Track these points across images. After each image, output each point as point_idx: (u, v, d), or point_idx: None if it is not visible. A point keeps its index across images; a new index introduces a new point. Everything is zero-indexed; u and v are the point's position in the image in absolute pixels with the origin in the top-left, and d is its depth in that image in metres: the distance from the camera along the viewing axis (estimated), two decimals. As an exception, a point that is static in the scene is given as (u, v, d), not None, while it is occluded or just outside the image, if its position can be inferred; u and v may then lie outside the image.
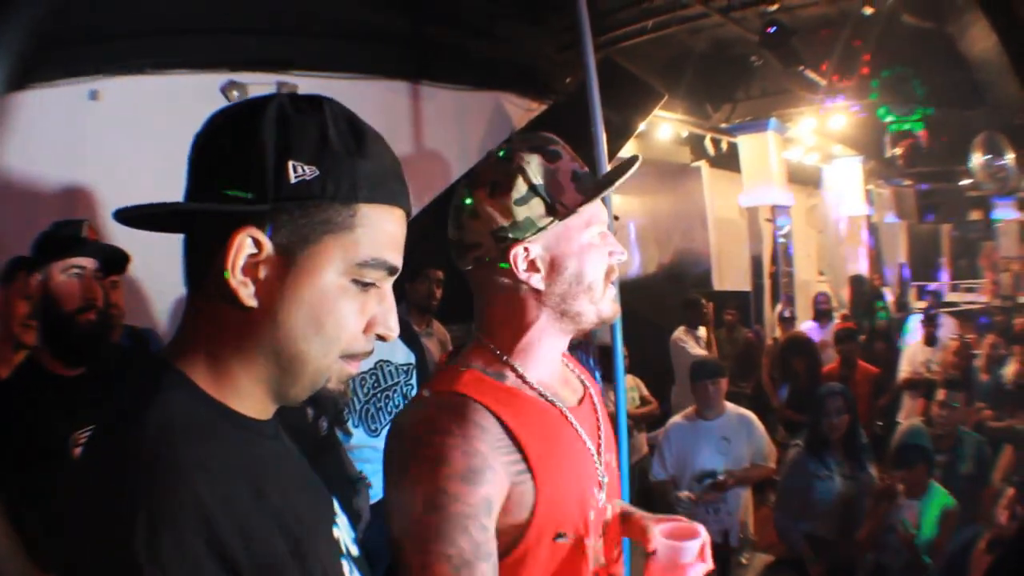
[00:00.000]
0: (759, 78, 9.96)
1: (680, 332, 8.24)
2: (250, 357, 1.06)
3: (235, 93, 5.45)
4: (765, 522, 5.54)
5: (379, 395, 4.04)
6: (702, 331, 8.49)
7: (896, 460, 4.67)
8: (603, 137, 3.86)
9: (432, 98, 6.73)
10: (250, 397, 1.09)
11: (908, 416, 7.57)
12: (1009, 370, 7.36)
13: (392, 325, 1.14)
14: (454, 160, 6.80)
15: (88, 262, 2.69)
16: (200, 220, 1.05)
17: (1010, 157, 11.46)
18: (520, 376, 1.62)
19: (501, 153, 1.61)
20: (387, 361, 4.10)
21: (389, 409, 4.07)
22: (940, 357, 7.90)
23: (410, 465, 1.46)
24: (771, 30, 7.65)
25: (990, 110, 10.70)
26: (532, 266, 1.58)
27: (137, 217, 1.04)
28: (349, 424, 3.94)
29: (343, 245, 1.06)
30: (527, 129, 7.19)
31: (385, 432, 3.95)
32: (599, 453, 1.70)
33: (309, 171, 1.02)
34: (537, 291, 1.60)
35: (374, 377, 4.04)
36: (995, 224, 17.70)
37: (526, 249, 1.57)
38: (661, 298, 10.13)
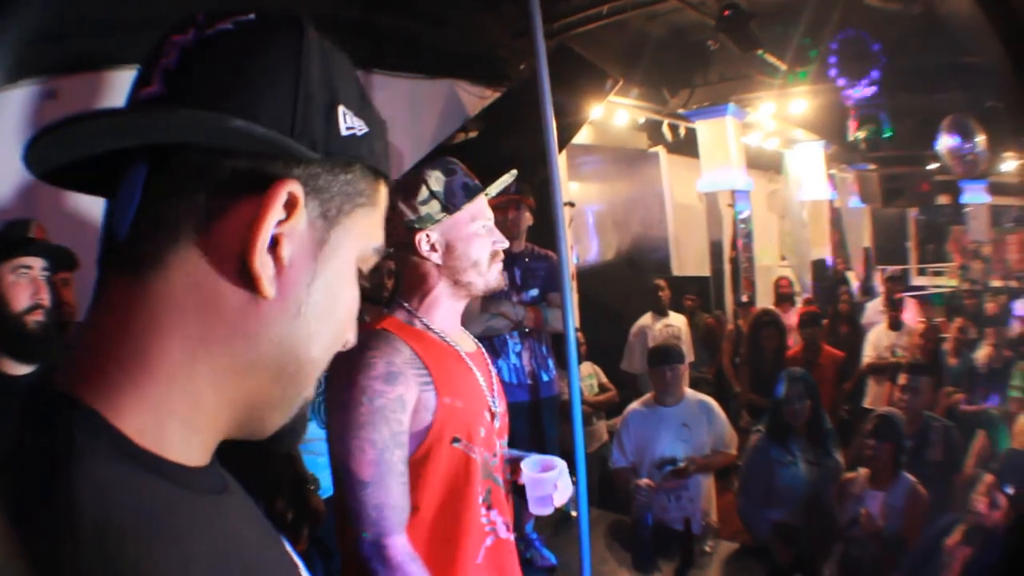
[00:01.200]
0: (717, 63, 9.91)
1: (646, 319, 8.26)
2: (229, 374, 0.77)
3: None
4: (729, 509, 5.54)
5: (332, 387, 4.00)
6: (676, 318, 8.49)
7: (869, 432, 4.65)
8: (552, 124, 3.85)
9: (385, 87, 6.67)
10: (197, 436, 0.78)
11: (874, 401, 7.61)
12: (981, 353, 7.38)
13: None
14: (408, 148, 6.74)
15: (35, 261, 2.74)
16: (180, 165, 0.74)
17: (981, 140, 11.51)
18: (426, 325, 2.25)
19: (414, 170, 2.29)
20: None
21: (341, 401, 4.03)
22: (906, 341, 7.93)
23: (344, 373, 2.04)
24: (728, 14, 7.62)
25: (958, 94, 10.75)
26: (432, 248, 2.23)
27: (61, 145, 0.71)
28: (301, 417, 3.91)
29: (370, 224, 0.87)
30: (480, 116, 7.26)
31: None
32: (491, 392, 2.33)
33: (358, 125, 0.82)
34: (437, 265, 2.25)
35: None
36: (964, 208, 17.85)
37: (427, 236, 2.22)
38: (620, 284, 10.14)
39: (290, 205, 0.75)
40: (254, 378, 0.78)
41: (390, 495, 2.02)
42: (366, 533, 2.01)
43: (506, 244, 2.34)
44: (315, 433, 3.92)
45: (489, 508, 2.23)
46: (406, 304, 2.29)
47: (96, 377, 0.72)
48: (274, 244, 0.75)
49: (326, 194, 0.80)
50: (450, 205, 2.21)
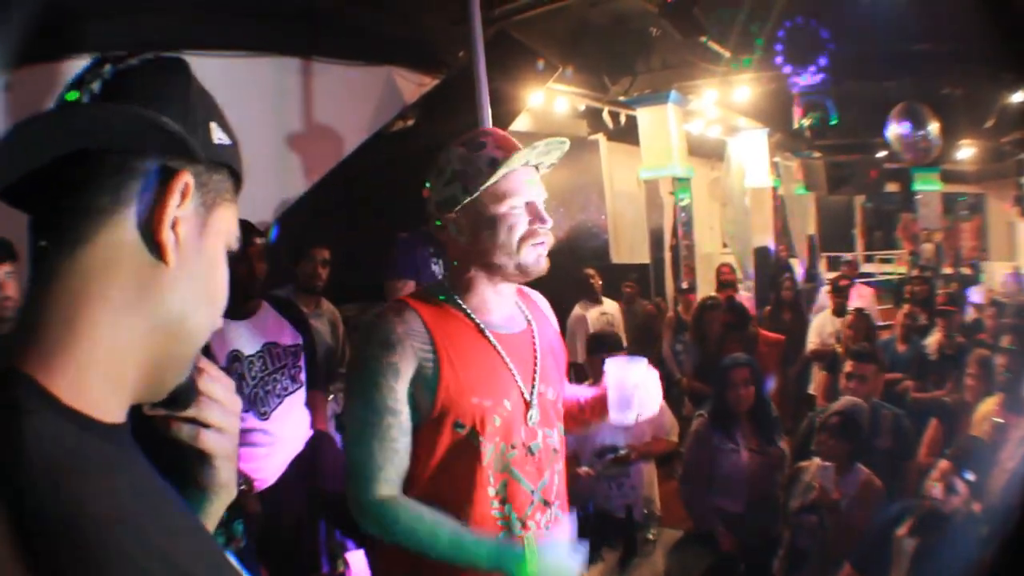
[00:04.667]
0: (660, 50, 9.92)
1: (580, 308, 8.23)
2: (141, 335, 0.93)
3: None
4: (672, 496, 5.53)
5: (267, 378, 3.97)
6: (610, 305, 8.47)
7: (832, 430, 4.59)
8: (488, 111, 3.83)
9: (324, 74, 6.61)
10: (114, 397, 0.93)
11: (818, 388, 7.63)
12: (932, 340, 7.38)
13: None
14: (345, 136, 6.68)
15: None
16: (101, 162, 0.92)
17: (934, 127, 11.61)
18: (456, 302, 2.18)
19: (447, 146, 2.18)
20: (274, 344, 4.02)
21: (278, 392, 4.00)
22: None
23: (356, 340, 2.23)
24: (671, 0, 7.60)
25: (907, 82, 10.84)
26: (460, 230, 2.14)
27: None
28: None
29: (232, 216, 1.06)
30: (417, 104, 7.19)
31: (274, 415, 3.91)
32: (529, 379, 2.20)
33: (225, 138, 1.03)
34: (467, 247, 2.15)
35: (261, 360, 3.96)
36: (915, 196, 18.04)
37: (454, 217, 2.13)
38: (558, 272, 10.15)
39: (184, 193, 0.95)
40: (160, 337, 0.95)
41: (371, 457, 2.06)
42: (349, 488, 2.11)
43: (547, 224, 2.17)
44: (253, 424, 3.88)
45: (504, 502, 2.13)
46: (446, 283, 2.25)
47: (32, 346, 0.87)
48: (173, 223, 0.93)
49: (206, 188, 0.99)
50: (470, 186, 2.09)
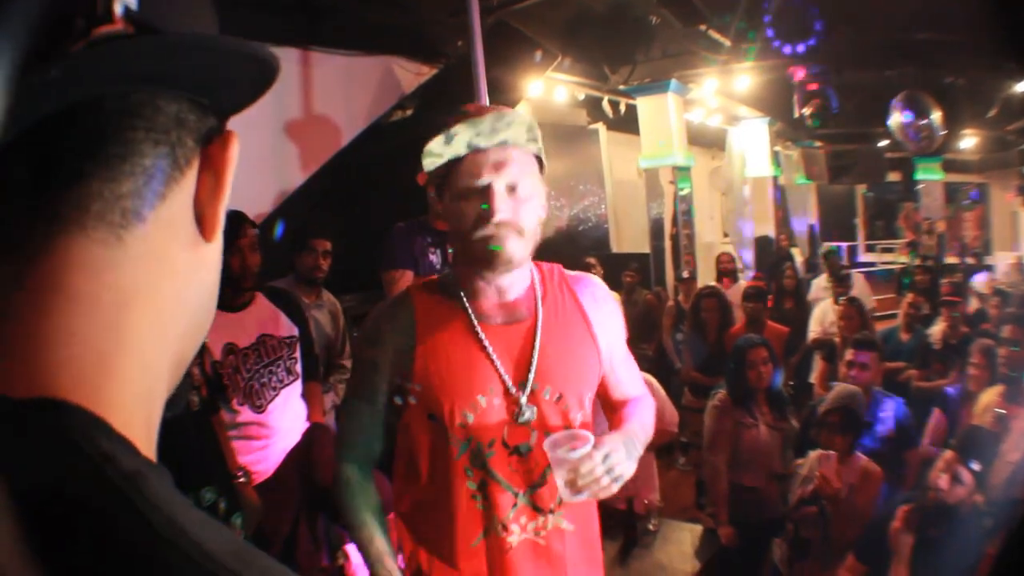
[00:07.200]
0: (660, 39, 9.87)
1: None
2: (175, 335, 0.73)
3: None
4: (672, 487, 5.52)
5: (262, 370, 3.94)
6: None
7: (832, 426, 4.61)
8: (487, 101, 3.82)
9: (322, 64, 6.56)
10: (151, 424, 0.71)
11: (817, 377, 7.62)
12: (936, 329, 7.38)
13: None
14: (343, 126, 6.65)
15: None
16: (157, 114, 0.67)
17: (936, 116, 11.56)
18: (455, 291, 2.09)
19: None
20: (269, 335, 3.99)
21: (273, 384, 3.97)
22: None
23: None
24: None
25: (909, 71, 10.80)
26: (438, 214, 2.09)
27: None
28: (234, 402, 3.84)
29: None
30: (416, 94, 7.19)
31: (270, 407, 3.88)
32: (517, 375, 2.04)
33: None
34: (448, 233, 2.09)
35: (257, 352, 3.92)
36: (917, 185, 18.03)
37: (433, 199, 2.09)
38: (558, 262, 10.14)
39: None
40: (191, 330, 0.75)
41: (344, 434, 2.24)
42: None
43: (495, 214, 1.95)
44: (248, 417, 3.86)
45: (484, 501, 2.03)
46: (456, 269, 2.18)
47: (71, 368, 0.63)
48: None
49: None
50: (431, 174, 2.05)
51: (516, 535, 2.03)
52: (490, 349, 2.03)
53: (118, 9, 0.60)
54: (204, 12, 0.74)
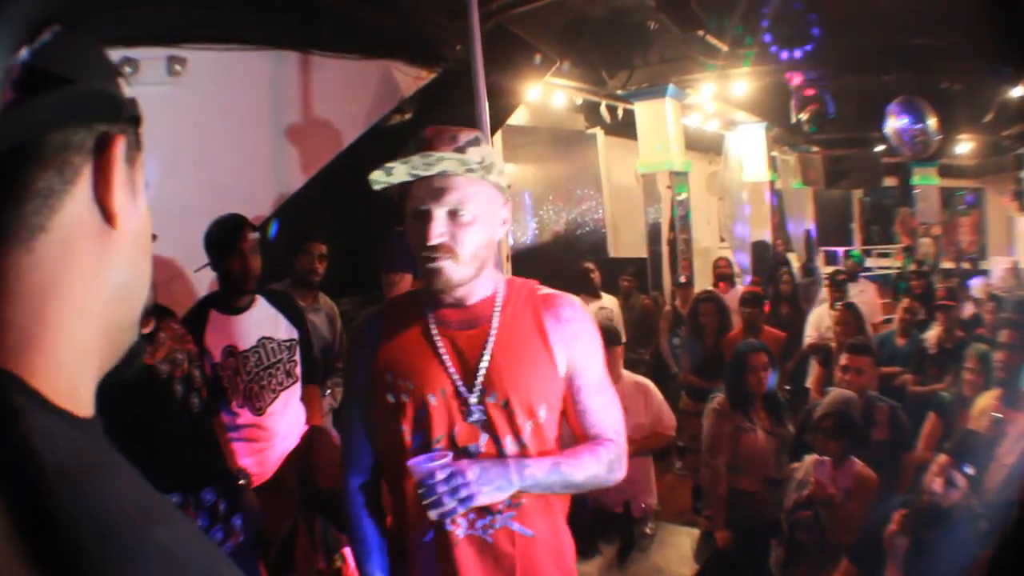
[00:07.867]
0: (657, 44, 9.90)
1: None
2: (100, 313, 0.90)
3: (128, 69, 5.27)
4: (669, 491, 5.54)
5: (262, 373, 3.95)
6: (608, 300, 8.46)
7: (826, 431, 4.62)
8: (485, 105, 3.82)
9: (321, 68, 6.57)
10: (86, 386, 0.89)
11: (813, 382, 7.63)
12: (931, 334, 7.39)
13: None
14: (343, 130, 6.66)
15: None
16: (44, 145, 0.85)
17: (932, 121, 11.58)
18: (425, 296, 2.19)
19: None
20: (269, 338, 4.00)
21: (272, 387, 3.98)
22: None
23: None
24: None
25: (905, 76, 10.83)
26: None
27: None
28: (234, 404, 3.87)
29: (144, 167, 1.02)
30: (415, 98, 7.20)
31: (270, 410, 3.90)
32: (466, 376, 2.11)
33: (128, 91, 0.98)
34: None
35: (256, 355, 3.93)
36: (913, 190, 18.06)
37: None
38: (556, 267, 10.15)
39: (123, 156, 0.91)
40: (117, 306, 0.92)
41: (345, 444, 2.35)
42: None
43: (431, 234, 2.02)
44: (248, 419, 3.88)
45: None
46: None
47: (7, 348, 0.82)
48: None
49: (128, 145, 0.93)
50: (393, 197, 2.15)
51: (463, 528, 2.10)
52: (442, 351, 2.13)
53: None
54: (86, 52, 0.93)
